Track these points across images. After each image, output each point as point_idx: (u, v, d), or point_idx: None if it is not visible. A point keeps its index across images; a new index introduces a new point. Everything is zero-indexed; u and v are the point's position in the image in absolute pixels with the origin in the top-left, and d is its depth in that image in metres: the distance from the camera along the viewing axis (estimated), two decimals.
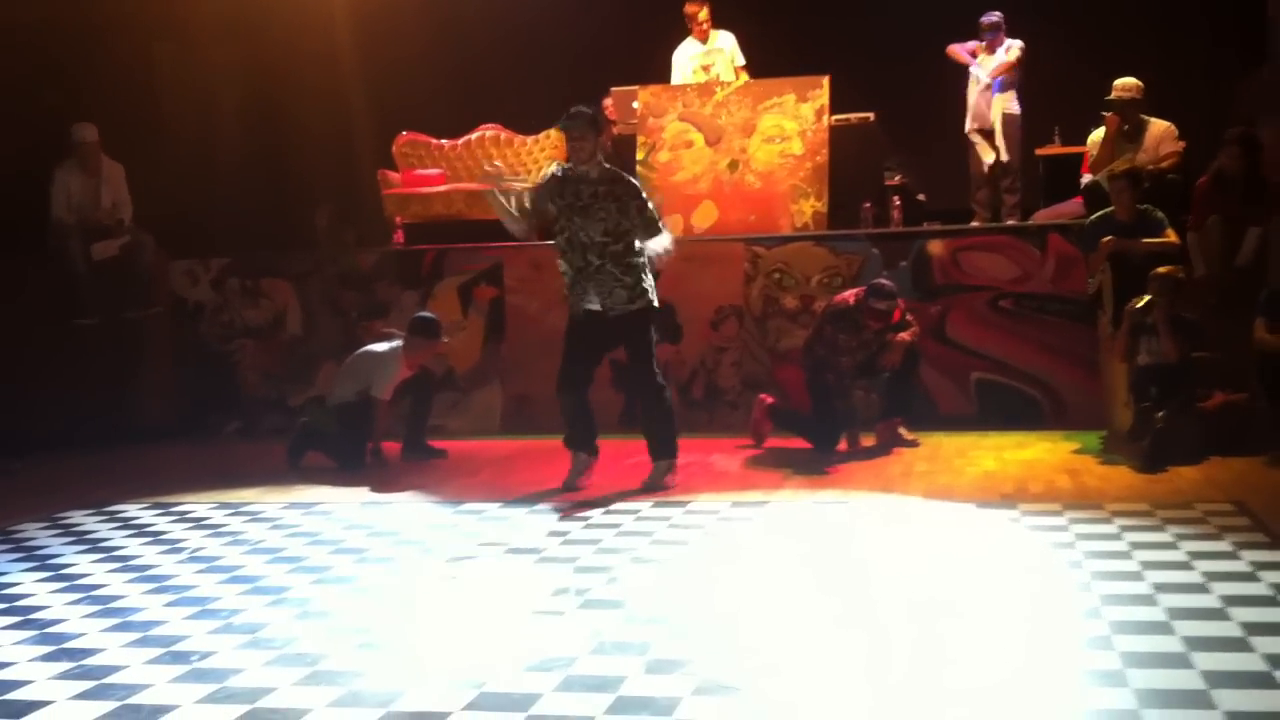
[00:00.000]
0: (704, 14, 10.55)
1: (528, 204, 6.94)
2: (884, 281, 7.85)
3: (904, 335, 7.80)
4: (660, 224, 6.87)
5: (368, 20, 11.63)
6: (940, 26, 10.26)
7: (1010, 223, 9.67)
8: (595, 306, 6.73)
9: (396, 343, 8.08)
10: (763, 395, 8.41)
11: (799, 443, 7.96)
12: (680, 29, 10.81)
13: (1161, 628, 4.02)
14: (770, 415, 8.21)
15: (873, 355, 7.82)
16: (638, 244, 6.74)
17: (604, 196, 6.68)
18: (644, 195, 6.80)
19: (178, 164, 10.51)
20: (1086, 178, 9.16)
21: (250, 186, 11.13)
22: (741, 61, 10.63)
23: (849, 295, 7.82)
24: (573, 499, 6.60)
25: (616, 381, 9.00)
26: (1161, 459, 6.81)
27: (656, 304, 6.85)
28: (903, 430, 8.00)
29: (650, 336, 6.86)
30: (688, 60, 10.74)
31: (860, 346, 7.75)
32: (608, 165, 6.86)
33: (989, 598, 4.51)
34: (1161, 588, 4.46)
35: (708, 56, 10.69)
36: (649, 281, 6.79)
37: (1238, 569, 4.70)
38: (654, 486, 6.80)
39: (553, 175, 6.97)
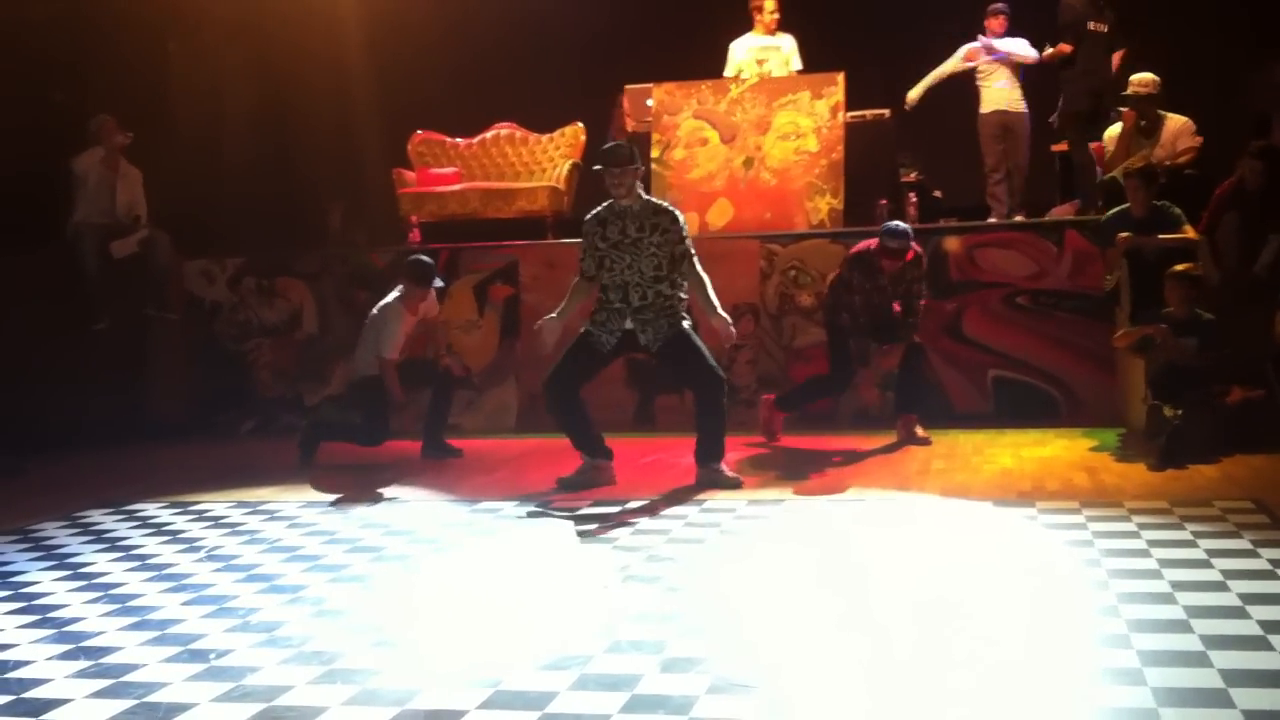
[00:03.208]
0: (772, 4, 10.51)
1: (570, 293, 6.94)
2: (897, 223, 7.89)
3: (910, 318, 7.84)
4: (693, 259, 6.78)
5: (380, 18, 11.64)
6: (956, 22, 10.24)
7: (1019, 218, 9.64)
8: (624, 341, 6.77)
9: (395, 294, 8.01)
10: (765, 395, 8.40)
11: (815, 441, 7.95)
12: (693, 28, 10.79)
13: (1180, 626, 4.00)
14: (778, 407, 8.20)
15: (888, 304, 7.80)
16: (682, 283, 6.76)
17: (650, 230, 6.70)
18: (683, 224, 6.79)
19: (188, 163, 10.54)
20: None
21: (261, 186, 11.16)
22: (798, 66, 10.51)
23: (869, 243, 7.87)
24: (589, 497, 6.60)
25: (630, 380, 9.03)
26: (1177, 457, 6.78)
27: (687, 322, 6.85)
28: (918, 428, 7.99)
29: (697, 344, 6.79)
30: (745, 51, 10.64)
31: (875, 290, 7.76)
32: (648, 197, 6.89)
33: (1005, 596, 4.50)
34: (1179, 585, 4.44)
35: (764, 51, 10.62)
36: (685, 310, 6.82)
37: (1256, 566, 4.68)
38: (719, 481, 6.72)
39: (593, 220, 6.91)
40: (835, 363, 8.03)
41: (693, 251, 6.81)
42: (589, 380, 7.00)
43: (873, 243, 7.81)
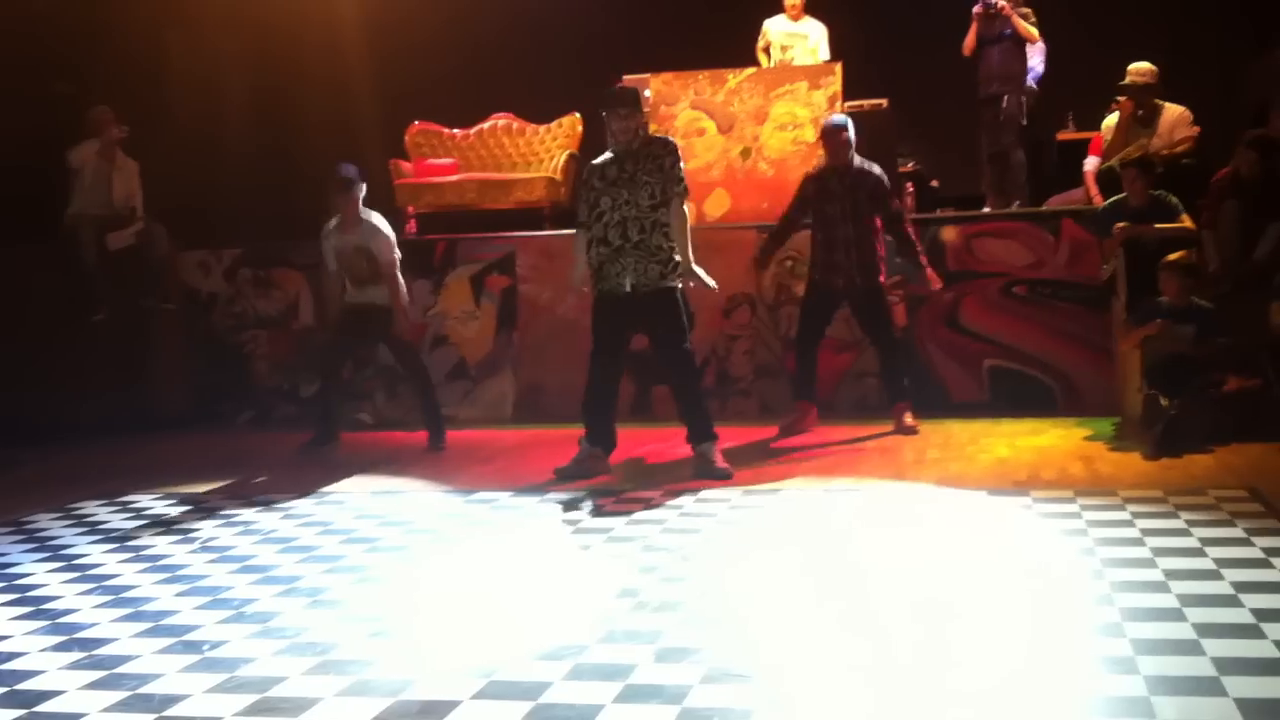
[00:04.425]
0: None
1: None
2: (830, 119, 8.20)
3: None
4: (682, 190, 6.73)
5: (378, 9, 11.63)
6: (954, 12, 10.21)
7: (1014, 208, 9.62)
8: (627, 288, 6.70)
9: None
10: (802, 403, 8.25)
11: (812, 434, 7.95)
12: (691, 19, 10.79)
13: (1173, 614, 4.00)
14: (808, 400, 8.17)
15: (860, 229, 7.87)
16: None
17: (645, 159, 6.68)
18: (679, 155, 6.78)
19: (185, 154, 10.53)
20: (1091, 160, 9.13)
21: (258, 176, 11.15)
22: (825, 55, 10.52)
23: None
24: (583, 486, 6.59)
25: (627, 370, 9.00)
26: (1173, 446, 6.78)
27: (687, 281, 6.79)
28: (907, 416, 7.98)
29: (680, 310, 6.78)
30: (775, 33, 10.74)
31: (837, 214, 7.90)
32: (649, 135, 6.87)
33: (1000, 585, 4.50)
34: (1173, 574, 4.44)
35: (790, 38, 10.66)
36: (678, 257, 6.74)
37: (1250, 555, 4.68)
38: (710, 473, 6.69)
39: (593, 165, 6.91)
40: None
41: (682, 190, 6.74)
42: (626, 348, 6.96)
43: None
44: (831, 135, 7.96)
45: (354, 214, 7.88)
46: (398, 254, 7.98)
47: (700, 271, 6.78)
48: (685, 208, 6.78)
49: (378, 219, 7.97)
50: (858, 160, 7.94)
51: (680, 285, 6.78)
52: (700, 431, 6.87)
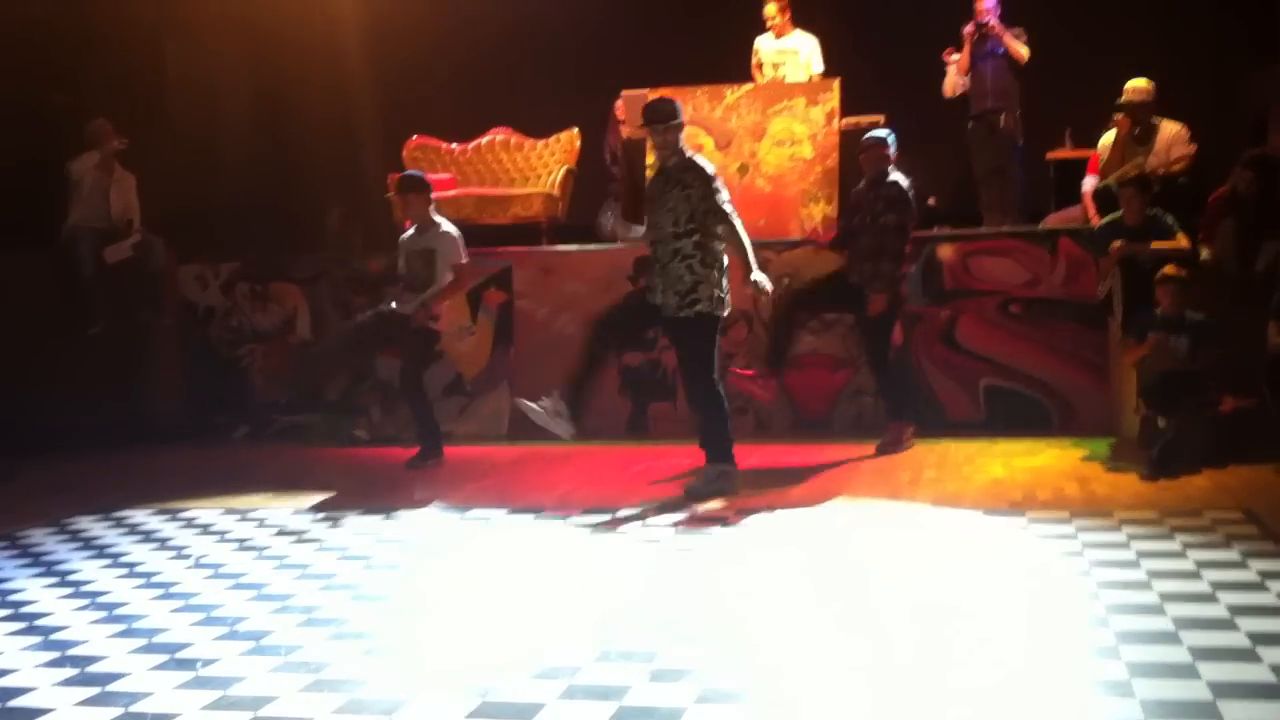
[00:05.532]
0: (770, 10, 10.51)
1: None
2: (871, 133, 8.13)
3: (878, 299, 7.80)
4: (727, 212, 6.60)
5: (377, 21, 11.64)
6: (952, 29, 10.22)
7: (1006, 227, 9.62)
8: (658, 302, 6.71)
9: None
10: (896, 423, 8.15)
11: (808, 449, 7.94)
12: (690, 34, 10.81)
13: (1169, 637, 3.99)
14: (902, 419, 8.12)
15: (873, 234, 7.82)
16: (715, 245, 6.63)
17: (674, 185, 6.63)
18: (713, 182, 6.62)
19: (184, 164, 10.52)
20: (1089, 180, 9.14)
21: (258, 188, 11.15)
22: (819, 68, 10.49)
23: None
24: (580, 505, 6.58)
25: (624, 388, 9.02)
26: (1170, 467, 6.77)
27: (717, 312, 6.67)
28: (904, 437, 7.98)
29: (698, 345, 6.68)
30: (766, 52, 10.73)
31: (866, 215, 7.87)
32: (688, 155, 6.76)
33: (995, 606, 4.49)
34: (1169, 597, 4.44)
35: (780, 55, 10.63)
36: (709, 289, 6.60)
37: (1246, 578, 4.68)
38: (698, 493, 6.63)
39: (650, 181, 6.95)
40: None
41: (726, 208, 6.60)
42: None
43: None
44: (867, 149, 7.95)
45: (425, 215, 8.04)
46: (465, 258, 8.07)
47: (760, 278, 6.70)
48: (736, 223, 6.63)
49: (449, 224, 8.11)
50: (892, 174, 7.88)
51: (713, 314, 6.66)
52: (709, 453, 6.80)
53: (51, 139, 9.63)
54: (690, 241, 6.60)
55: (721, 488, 6.68)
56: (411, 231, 8.12)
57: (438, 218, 8.08)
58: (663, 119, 6.64)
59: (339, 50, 11.82)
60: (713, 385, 6.75)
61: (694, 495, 6.63)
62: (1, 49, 9.46)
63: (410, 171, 7.99)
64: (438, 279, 7.95)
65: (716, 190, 6.61)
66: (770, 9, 10.51)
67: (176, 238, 10.01)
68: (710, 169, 6.71)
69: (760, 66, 10.65)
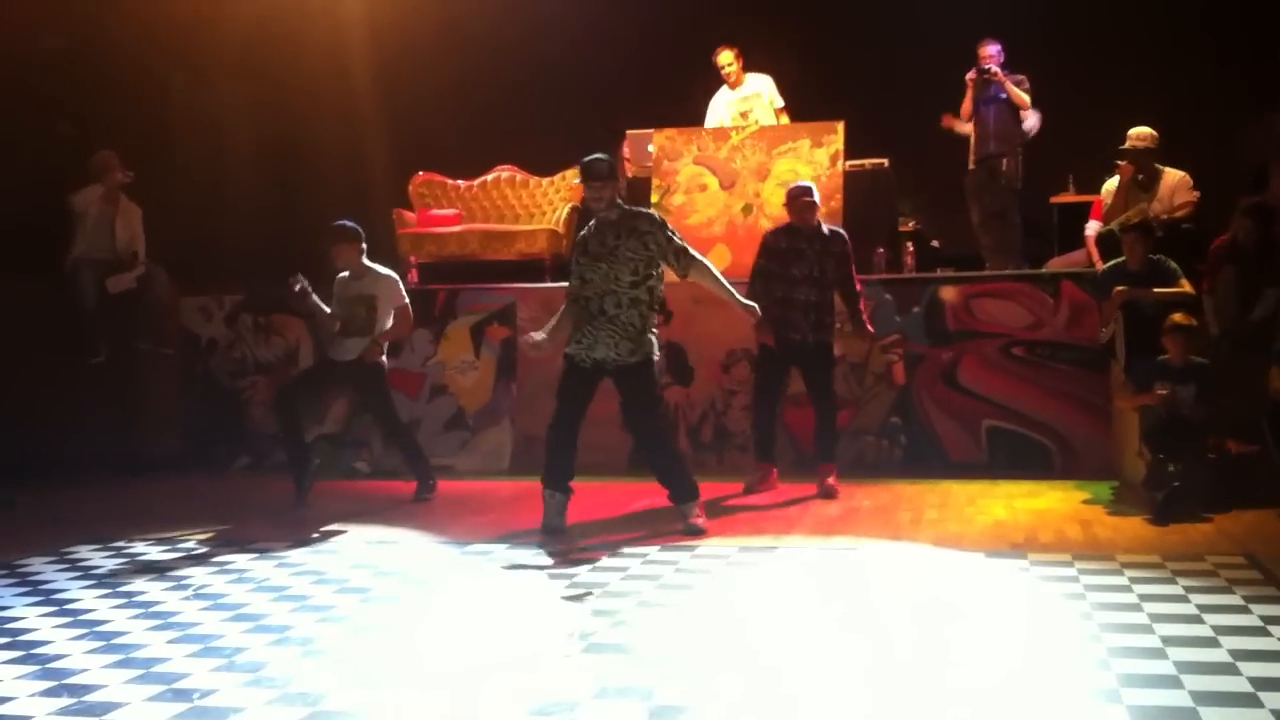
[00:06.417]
0: (726, 59, 10.55)
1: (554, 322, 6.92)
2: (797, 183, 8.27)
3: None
4: (691, 251, 6.75)
5: (383, 59, 11.73)
6: (957, 73, 10.29)
7: (1009, 270, 9.65)
8: (599, 357, 6.70)
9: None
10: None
11: (809, 488, 7.93)
12: (695, 74, 10.86)
13: (1170, 681, 3.97)
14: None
15: (817, 290, 7.95)
16: (658, 290, 6.73)
17: (627, 235, 6.66)
18: (666, 226, 6.74)
19: (190, 199, 10.58)
20: (1092, 224, 9.18)
21: (262, 223, 11.20)
22: (780, 104, 10.60)
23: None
24: (580, 540, 6.56)
25: (624, 424, 8.99)
26: (1175, 512, 6.76)
27: (656, 355, 6.80)
28: (830, 479, 7.95)
29: (650, 387, 6.80)
30: (724, 108, 10.73)
31: (799, 276, 7.95)
32: (626, 206, 6.85)
33: (996, 648, 4.47)
34: (1171, 641, 4.42)
35: (745, 103, 10.68)
36: (650, 333, 6.75)
37: (1248, 623, 4.65)
38: (688, 530, 6.71)
39: (578, 239, 6.95)
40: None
41: (688, 247, 6.75)
42: (587, 405, 6.89)
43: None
44: (796, 199, 7.99)
45: (357, 262, 8.09)
46: (406, 300, 8.19)
47: (754, 305, 6.88)
48: (704, 261, 6.79)
49: (383, 268, 8.22)
50: (825, 225, 8.00)
51: (655, 359, 6.77)
52: (678, 493, 6.87)
53: (56, 170, 9.66)
54: (645, 288, 6.66)
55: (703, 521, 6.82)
56: (345, 275, 8.16)
57: (370, 263, 8.14)
58: (600, 177, 6.68)
59: (345, 88, 11.90)
60: (660, 426, 6.94)
61: (693, 533, 6.66)
62: (9, 79, 9.51)
63: (340, 221, 8.06)
64: (378, 323, 8.05)
65: (673, 232, 6.74)
66: (726, 56, 10.57)
67: (180, 271, 10.04)
68: (655, 213, 6.88)
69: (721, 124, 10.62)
